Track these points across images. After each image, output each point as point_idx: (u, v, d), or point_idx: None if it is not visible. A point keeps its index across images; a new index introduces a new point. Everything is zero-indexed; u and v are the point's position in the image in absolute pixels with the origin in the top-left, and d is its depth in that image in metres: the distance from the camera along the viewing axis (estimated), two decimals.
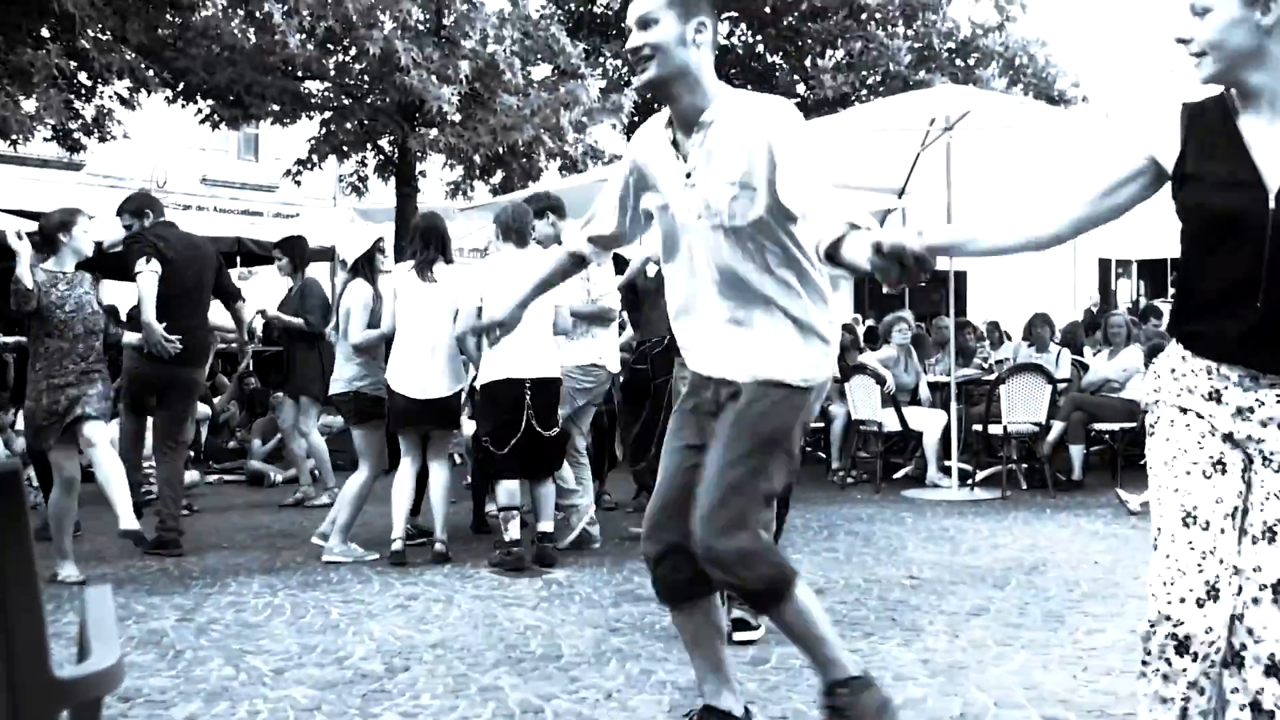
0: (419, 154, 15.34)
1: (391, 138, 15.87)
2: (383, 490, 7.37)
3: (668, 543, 3.40)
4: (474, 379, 7.47)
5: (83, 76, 14.01)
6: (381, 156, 16.53)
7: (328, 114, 15.72)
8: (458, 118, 14.24)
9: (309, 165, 16.24)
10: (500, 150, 14.85)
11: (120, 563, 6.95)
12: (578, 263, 3.88)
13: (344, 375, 7.26)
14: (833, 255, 2.93)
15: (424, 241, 7.09)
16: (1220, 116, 2.71)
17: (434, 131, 14.77)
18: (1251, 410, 2.71)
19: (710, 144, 3.30)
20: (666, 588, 3.46)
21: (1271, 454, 2.71)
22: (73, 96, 13.91)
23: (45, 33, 12.92)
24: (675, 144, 3.40)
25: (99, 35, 13.23)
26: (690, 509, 3.29)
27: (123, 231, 7.71)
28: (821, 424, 11.53)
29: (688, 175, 3.35)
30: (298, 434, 9.33)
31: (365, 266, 7.36)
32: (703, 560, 3.25)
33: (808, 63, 19.99)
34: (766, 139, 3.22)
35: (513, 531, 6.71)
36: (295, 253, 9.49)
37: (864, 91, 19.58)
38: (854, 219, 2.94)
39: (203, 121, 15.70)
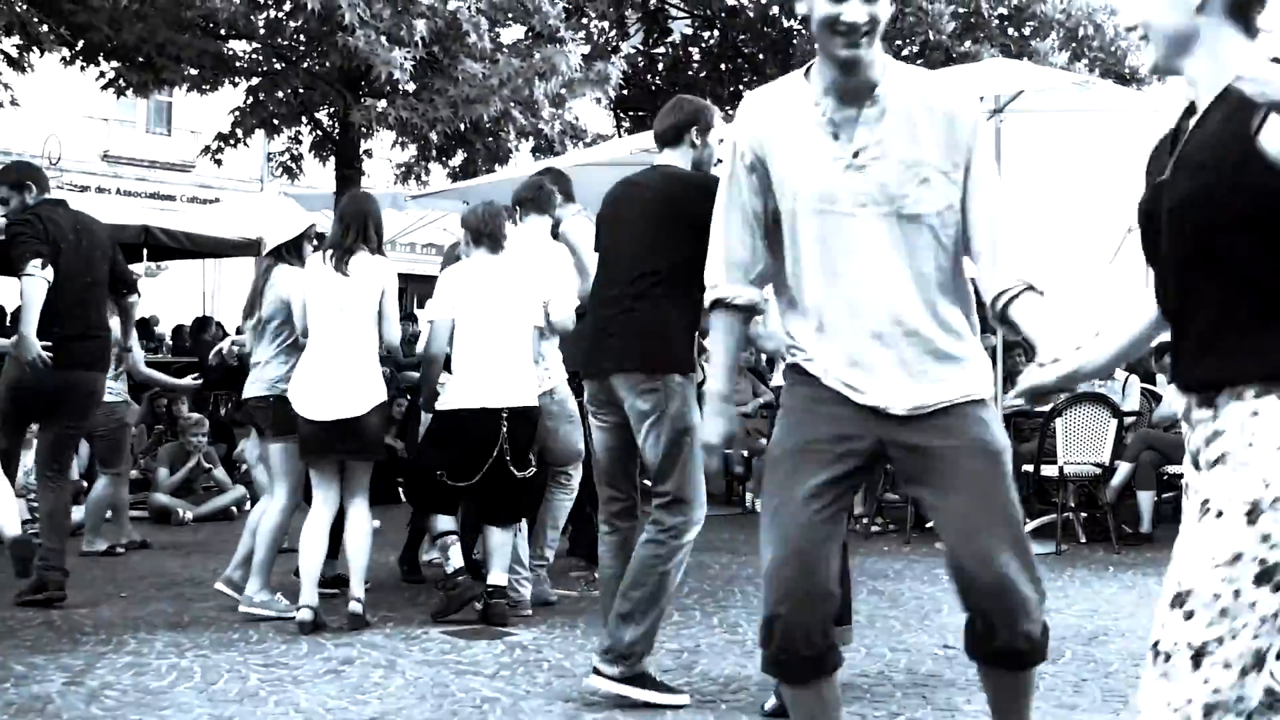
0: (364, 130, 15.39)
1: (331, 110, 15.94)
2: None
3: (808, 609, 3.41)
4: (409, 398, 7.49)
5: None
6: (319, 132, 16.60)
7: (255, 80, 15.78)
8: (411, 87, 14.30)
9: (232, 141, 16.30)
10: (462, 127, 14.90)
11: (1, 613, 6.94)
12: (749, 315, 3.87)
13: (264, 376, 7.14)
14: (1001, 311, 3.35)
15: (344, 227, 6.95)
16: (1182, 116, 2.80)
17: (382, 103, 14.83)
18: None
19: (888, 121, 3.42)
20: (797, 663, 3.46)
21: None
22: None
23: None
24: (832, 121, 3.45)
25: None
26: (825, 565, 3.38)
27: None
28: None
29: (855, 155, 3.42)
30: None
31: (291, 254, 7.28)
32: (992, 615, 3.40)
33: None
34: (961, 126, 3.44)
35: (455, 559, 6.74)
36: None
37: None
38: (1028, 276, 3.36)
39: (105, 87, 15.75)
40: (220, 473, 11.23)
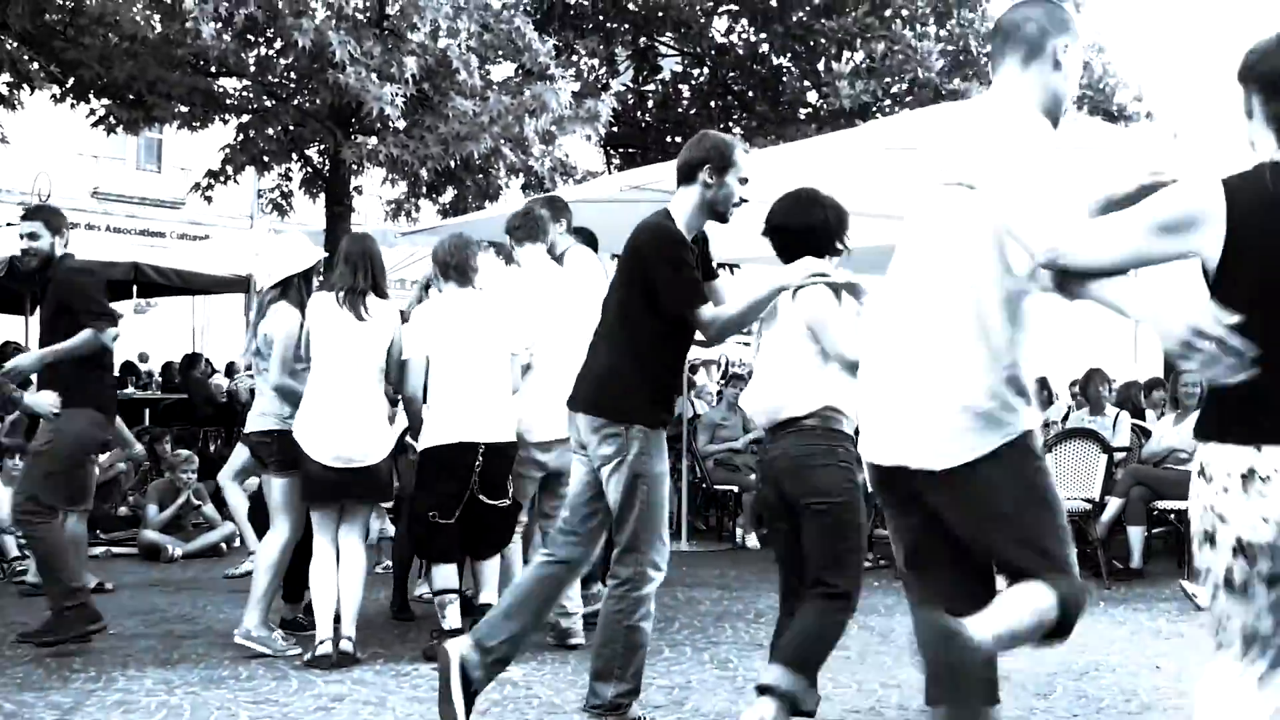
0: (354, 166, 15.42)
1: (322, 147, 15.96)
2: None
3: None
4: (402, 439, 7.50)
5: None
6: (309, 169, 16.63)
7: (246, 117, 15.80)
8: (402, 124, 14.34)
9: (222, 178, 16.31)
10: (452, 164, 14.94)
11: None
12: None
13: (269, 409, 7.12)
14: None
15: (352, 268, 6.96)
16: None
17: (373, 140, 14.86)
18: None
19: None
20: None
21: None
22: None
23: None
24: None
25: None
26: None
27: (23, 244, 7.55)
28: None
29: None
30: (233, 484, 9.33)
31: (300, 287, 7.20)
32: None
33: (821, 66, 20.17)
34: None
35: (451, 619, 6.71)
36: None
37: (887, 102, 19.74)
38: None
39: (96, 124, 15.77)
40: (210, 509, 11.20)
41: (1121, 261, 3.24)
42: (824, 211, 5.13)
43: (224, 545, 10.97)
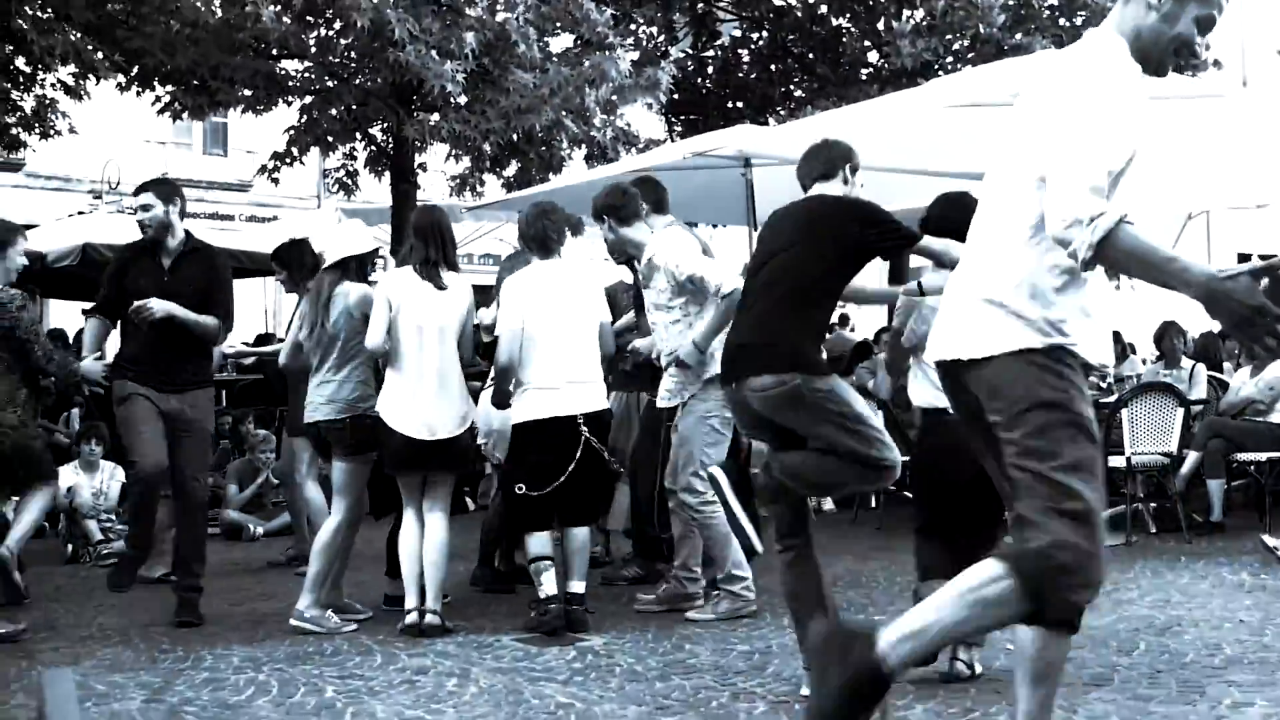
0: (418, 143, 15.47)
1: (385, 125, 16.03)
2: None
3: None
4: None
5: (20, 62, 14.22)
6: (373, 148, 16.69)
7: (309, 99, 15.90)
8: (463, 100, 14.38)
9: (288, 160, 16.42)
10: (514, 137, 14.96)
11: (73, 632, 7.03)
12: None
13: (339, 396, 7.16)
14: None
15: (423, 240, 7.00)
16: None
17: (435, 116, 14.91)
18: None
19: None
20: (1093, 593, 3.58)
21: None
22: (9, 86, 14.11)
23: None
24: None
25: (37, 13, 13.43)
26: None
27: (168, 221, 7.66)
28: (907, 457, 11.51)
29: None
30: (294, 481, 9.35)
31: (356, 270, 7.29)
32: None
33: (880, 25, 20.01)
34: None
35: (548, 585, 6.73)
36: (290, 261, 9.47)
37: (949, 59, 19.56)
38: None
39: (161, 111, 15.93)
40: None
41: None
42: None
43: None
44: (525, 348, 6.88)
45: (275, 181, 16.81)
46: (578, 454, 6.76)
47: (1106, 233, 3.26)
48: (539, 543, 6.82)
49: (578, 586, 6.90)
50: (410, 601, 6.85)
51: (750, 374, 5.15)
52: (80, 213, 22.13)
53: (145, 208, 7.44)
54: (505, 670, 6.02)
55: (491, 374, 7.94)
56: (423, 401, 6.86)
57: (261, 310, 23.21)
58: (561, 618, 6.71)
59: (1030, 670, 3.59)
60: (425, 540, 6.91)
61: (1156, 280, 3.36)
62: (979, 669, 5.54)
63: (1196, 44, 3.66)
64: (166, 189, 7.62)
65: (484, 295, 8.07)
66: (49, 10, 13.74)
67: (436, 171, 19.56)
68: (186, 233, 7.55)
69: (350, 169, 17.20)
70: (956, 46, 19.55)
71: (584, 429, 6.78)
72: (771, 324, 5.18)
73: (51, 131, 15.17)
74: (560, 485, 6.77)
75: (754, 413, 5.22)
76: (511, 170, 16.90)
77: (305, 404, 7.38)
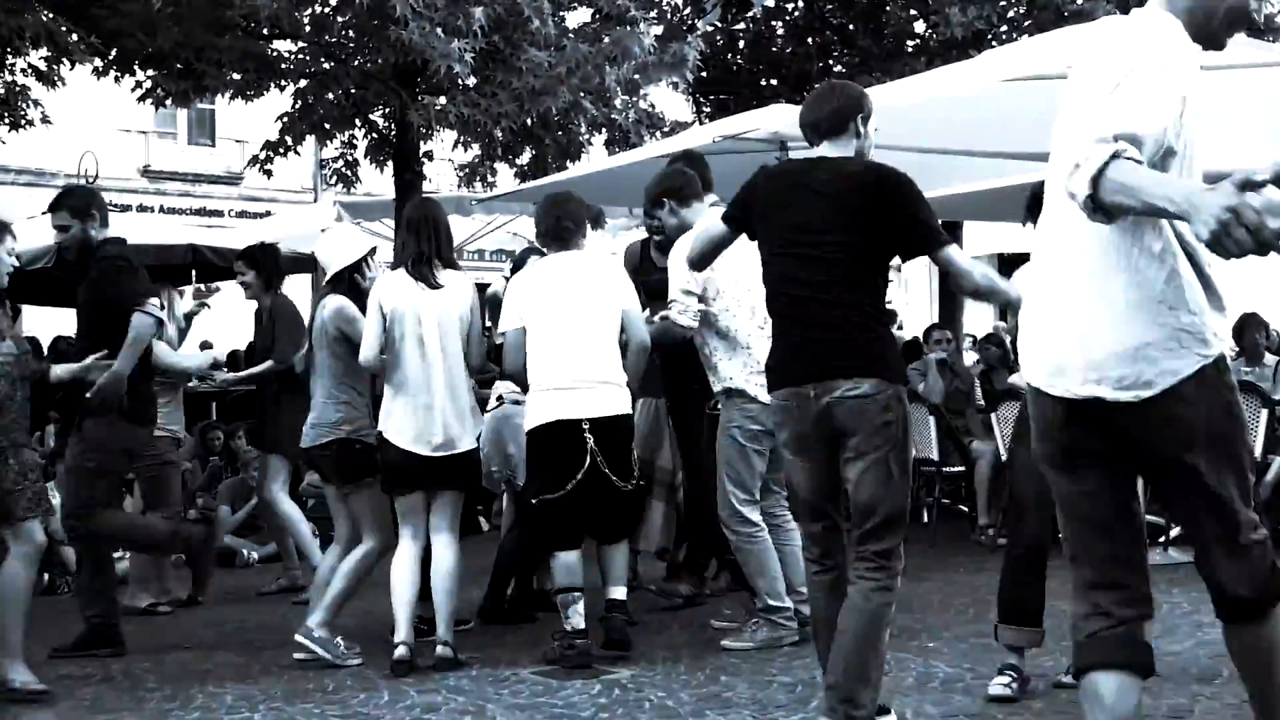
0: (423, 130, 15.46)
1: (387, 110, 16.02)
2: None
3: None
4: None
5: None
6: (374, 135, 16.68)
7: (303, 83, 15.89)
8: (472, 81, 14.34)
9: (282, 150, 16.42)
10: (528, 121, 14.93)
11: (49, 669, 7.04)
12: None
13: (324, 419, 7.20)
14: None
15: (415, 235, 6.99)
16: None
17: (441, 100, 14.88)
18: None
19: None
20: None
21: None
22: None
23: None
24: None
25: None
26: None
27: (53, 236, 7.80)
28: (961, 467, 11.51)
29: None
30: (266, 497, 9.41)
31: (351, 280, 7.32)
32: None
33: None
34: None
35: (575, 619, 6.69)
36: (264, 265, 9.55)
37: (1003, 29, 19.50)
38: None
39: (142, 98, 15.94)
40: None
41: None
42: None
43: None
44: (532, 347, 6.85)
45: (268, 173, 16.81)
46: (586, 461, 6.70)
47: (1100, 168, 3.19)
48: (567, 570, 6.76)
49: (617, 593, 6.88)
50: (399, 635, 6.75)
51: (840, 376, 4.97)
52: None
53: (61, 228, 7.50)
54: (524, 707, 6.01)
55: (499, 392, 7.99)
56: (423, 414, 6.84)
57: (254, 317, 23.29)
58: (588, 655, 6.67)
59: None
60: (435, 565, 6.89)
61: (1151, 210, 3.26)
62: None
63: (1253, 10, 3.67)
64: (79, 201, 7.65)
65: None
66: None
67: (443, 160, 19.58)
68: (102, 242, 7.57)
69: (350, 158, 17.18)
70: (1011, 14, 19.50)
71: (589, 437, 6.70)
72: (857, 319, 5.08)
73: (23, 122, 15.17)
74: (581, 497, 6.71)
75: (824, 421, 5.01)
76: (525, 158, 16.87)
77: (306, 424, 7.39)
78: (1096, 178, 3.17)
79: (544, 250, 7.28)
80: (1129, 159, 3.17)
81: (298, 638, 7.00)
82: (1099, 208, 3.21)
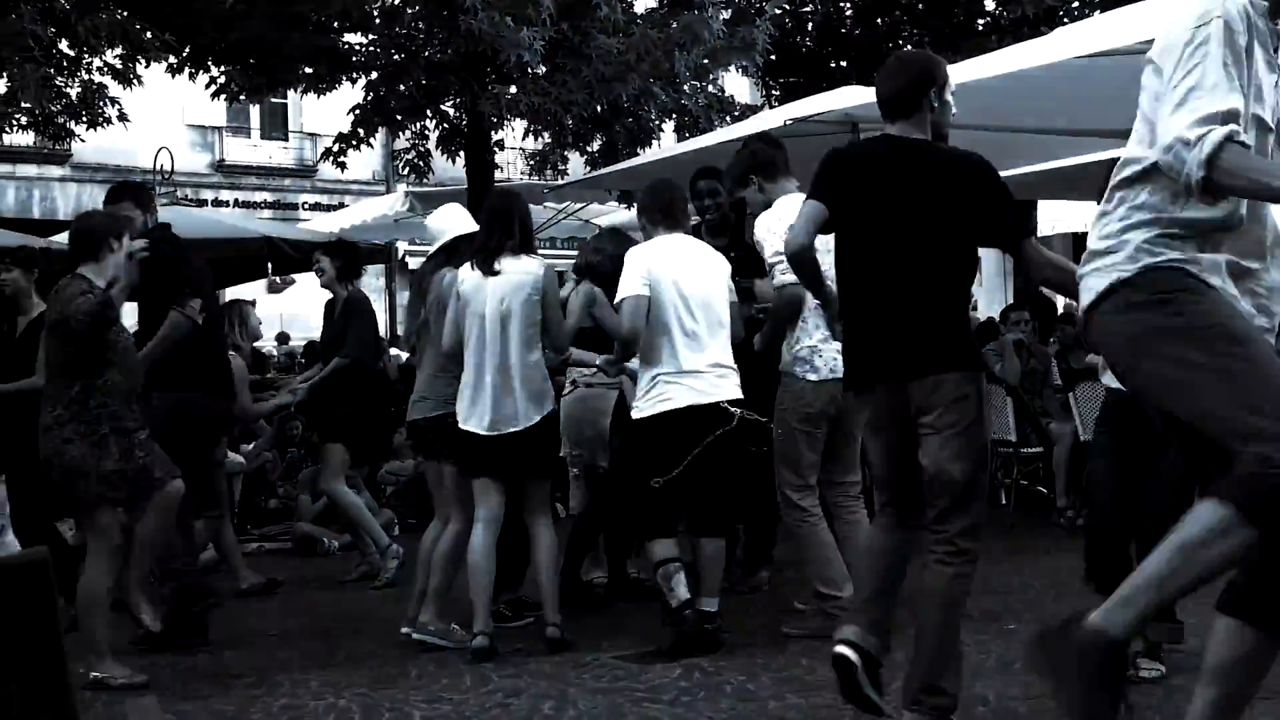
0: (494, 119, 15.51)
1: (458, 100, 16.08)
2: None
3: None
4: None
5: (64, 45, 14.41)
6: (446, 125, 16.75)
7: (375, 75, 15.98)
8: (542, 70, 14.38)
9: (354, 142, 16.52)
10: (599, 109, 14.95)
11: (139, 659, 7.12)
12: None
13: (432, 393, 7.32)
14: None
15: (488, 227, 7.07)
16: None
17: (512, 89, 14.92)
18: None
19: None
20: None
21: None
22: (52, 72, 14.29)
23: None
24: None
25: None
26: None
27: None
28: (1039, 448, 11.43)
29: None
30: (340, 488, 9.51)
31: (459, 255, 7.33)
32: None
33: None
34: None
35: (679, 590, 6.65)
36: (344, 256, 9.70)
37: (1075, 4, 19.34)
38: None
39: (216, 94, 16.12)
40: (366, 497, 11.41)
41: None
42: None
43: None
44: (654, 329, 6.77)
45: (341, 166, 16.94)
46: (708, 440, 6.61)
47: (1216, 147, 3.29)
48: (665, 545, 6.72)
49: (709, 604, 6.79)
50: (478, 624, 6.79)
51: (924, 371, 4.91)
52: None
53: (127, 219, 7.59)
54: (605, 691, 6.02)
55: (572, 376, 7.97)
56: (484, 395, 6.90)
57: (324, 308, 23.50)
58: (701, 625, 6.65)
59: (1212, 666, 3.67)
60: (537, 552, 7.00)
61: (1264, 195, 3.40)
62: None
63: None
64: (141, 192, 7.87)
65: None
66: None
67: (514, 148, 19.63)
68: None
69: (421, 149, 17.28)
70: None
71: (735, 410, 6.65)
72: (952, 313, 5.08)
73: (100, 120, 15.31)
74: (689, 482, 6.65)
75: (903, 406, 4.96)
76: (596, 145, 16.90)
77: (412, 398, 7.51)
78: (1211, 159, 3.26)
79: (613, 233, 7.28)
80: (1239, 142, 3.29)
81: (415, 635, 7.07)
82: (1208, 188, 3.27)
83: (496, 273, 6.91)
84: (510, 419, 6.90)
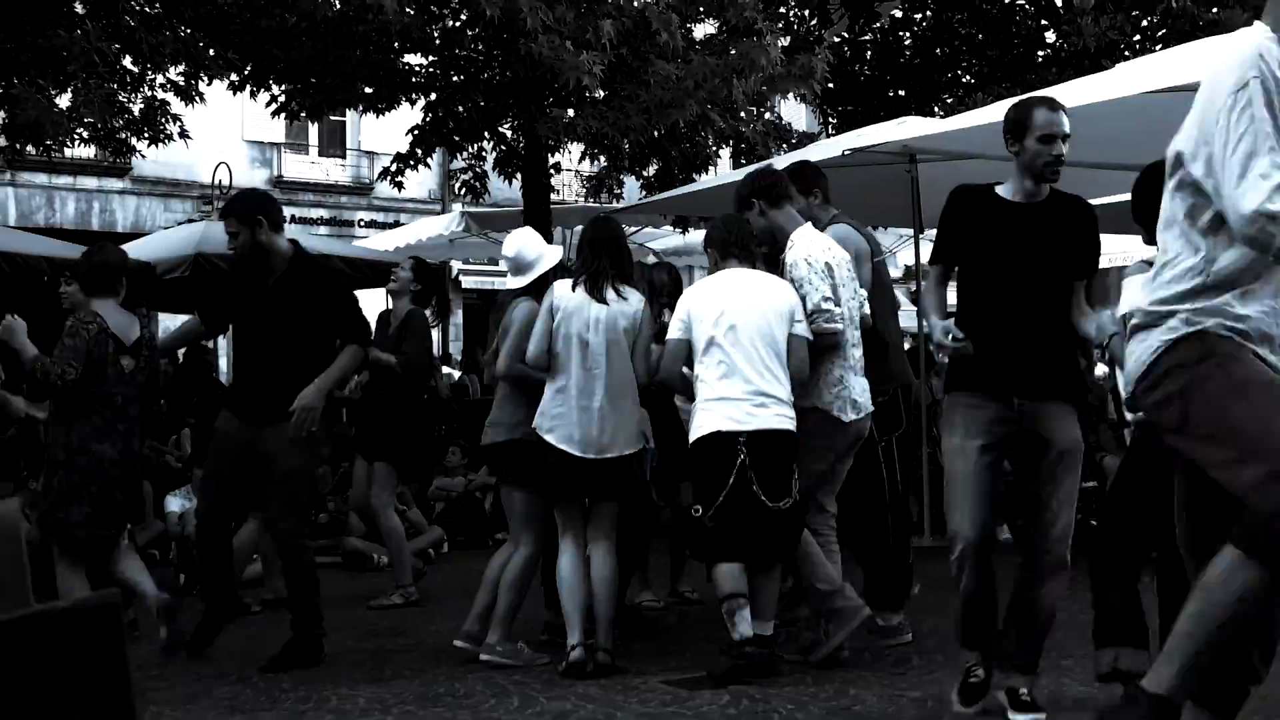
0: (551, 142, 15.57)
1: (515, 123, 16.15)
2: None
3: None
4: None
5: (128, 62, 14.57)
6: (503, 147, 16.82)
7: (434, 96, 16.07)
8: (600, 94, 14.42)
9: (411, 162, 16.61)
10: (656, 134, 14.98)
11: (188, 669, 7.18)
12: None
13: (503, 419, 7.41)
14: None
15: (593, 251, 7.17)
16: None
17: (570, 113, 14.97)
18: None
19: None
20: None
21: None
22: (115, 87, 14.45)
23: (79, 9, 13.45)
24: None
25: (146, 9, 13.74)
26: None
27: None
28: (1094, 482, 11.36)
29: None
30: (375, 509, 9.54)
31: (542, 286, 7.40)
32: None
33: (1059, 2, 19.77)
34: None
35: (742, 626, 6.59)
36: (429, 279, 9.80)
37: (1136, 39, 19.27)
38: None
39: (277, 112, 16.25)
40: (415, 513, 11.45)
41: None
42: None
43: (431, 552, 11.23)
44: (704, 359, 6.82)
45: (399, 185, 17.03)
46: (731, 478, 6.63)
47: None
48: (730, 578, 6.64)
49: (764, 629, 6.76)
50: (573, 638, 6.88)
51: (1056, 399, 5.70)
52: (190, 220, 22.62)
53: (232, 236, 7.67)
54: (653, 715, 6.03)
55: None
56: (587, 419, 6.97)
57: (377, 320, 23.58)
58: (765, 659, 6.61)
59: None
60: (593, 574, 7.03)
61: None
62: None
63: None
64: (243, 206, 7.80)
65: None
66: (157, 5, 14.07)
67: (570, 170, 19.69)
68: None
69: (478, 170, 17.36)
70: (1145, 24, 19.25)
71: (741, 450, 6.62)
72: (1069, 344, 5.60)
73: (161, 136, 15.44)
74: (733, 513, 6.63)
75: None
76: (652, 170, 16.94)
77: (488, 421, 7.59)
78: None
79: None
80: None
81: (483, 656, 7.12)
82: None
83: (605, 301, 7.01)
84: (613, 444, 7.00)
